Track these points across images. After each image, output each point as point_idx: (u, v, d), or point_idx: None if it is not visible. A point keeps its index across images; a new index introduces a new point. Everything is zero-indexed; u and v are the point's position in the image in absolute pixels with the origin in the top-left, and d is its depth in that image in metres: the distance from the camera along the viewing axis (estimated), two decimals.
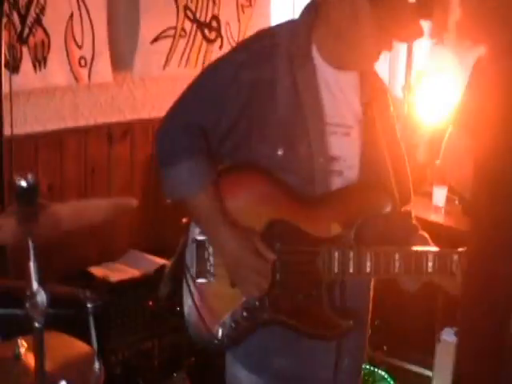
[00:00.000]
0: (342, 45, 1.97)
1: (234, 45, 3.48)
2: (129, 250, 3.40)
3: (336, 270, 1.96)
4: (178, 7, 3.16)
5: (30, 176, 1.80)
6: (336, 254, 1.96)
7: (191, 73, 3.15)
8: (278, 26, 2.10)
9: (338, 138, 2.02)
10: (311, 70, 1.98)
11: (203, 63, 3.34)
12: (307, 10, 2.03)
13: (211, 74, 2.05)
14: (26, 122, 2.99)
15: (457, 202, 3.68)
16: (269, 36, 2.02)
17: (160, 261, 3.29)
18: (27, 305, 1.87)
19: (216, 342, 2.04)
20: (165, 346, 3.18)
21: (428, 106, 3.62)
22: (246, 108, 1.96)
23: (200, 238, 2.04)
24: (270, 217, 2.00)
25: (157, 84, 3.30)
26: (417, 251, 2.00)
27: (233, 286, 2.00)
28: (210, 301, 2.07)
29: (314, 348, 2.06)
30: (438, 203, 3.52)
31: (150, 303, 3.06)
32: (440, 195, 3.50)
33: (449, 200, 3.51)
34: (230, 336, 2.02)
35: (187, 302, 2.08)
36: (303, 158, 1.97)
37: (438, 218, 3.37)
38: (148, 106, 3.32)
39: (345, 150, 2.02)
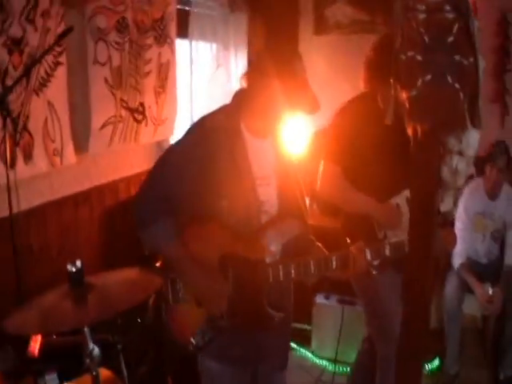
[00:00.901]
0: (262, 120, 2.53)
1: (155, 122, 4.31)
2: None
3: (271, 280, 2.54)
4: (115, 99, 3.85)
5: (78, 262, 2.18)
6: (270, 270, 2.54)
7: (127, 147, 4.10)
8: (215, 112, 2.62)
9: (263, 187, 2.58)
10: (242, 142, 2.53)
11: (134, 138, 4.11)
12: (235, 96, 2.60)
13: (171, 153, 2.58)
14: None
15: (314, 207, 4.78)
16: (211, 119, 2.56)
17: None
18: (87, 360, 2.23)
19: (192, 348, 2.59)
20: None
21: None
22: (198, 177, 2.47)
23: (172, 275, 2.58)
24: (221, 252, 2.52)
25: (103, 158, 4.00)
26: (324, 256, 2.64)
27: (199, 307, 2.56)
28: (183, 319, 2.62)
29: (257, 337, 2.65)
30: None
31: None
32: None
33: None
34: (201, 342, 2.57)
35: (168, 323, 2.65)
36: (242, 205, 2.52)
37: None
38: (99, 176, 4.00)
39: (268, 195, 2.60)
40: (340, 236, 3.48)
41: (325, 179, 3.50)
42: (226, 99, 4.82)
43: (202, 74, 4.96)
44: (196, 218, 2.55)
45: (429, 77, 1.92)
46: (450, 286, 4.64)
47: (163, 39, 4.33)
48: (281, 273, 2.55)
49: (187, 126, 4.74)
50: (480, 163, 4.60)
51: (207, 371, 2.72)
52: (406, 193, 3.57)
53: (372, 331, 3.80)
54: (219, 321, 2.56)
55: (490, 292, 4.41)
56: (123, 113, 4.00)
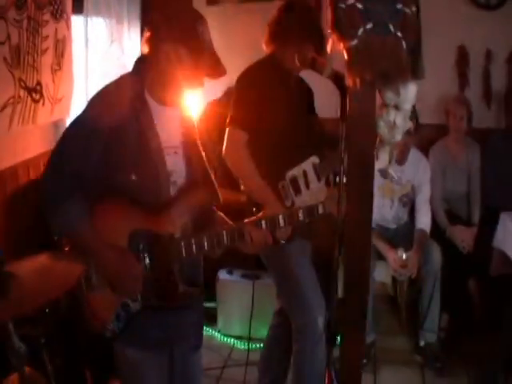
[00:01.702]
0: (168, 87, 2.51)
1: (52, 101, 4.15)
2: None
3: (184, 254, 2.53)
4: (14, 79, 3.68)
5: None
6: (182, 243, 2.52)
7: (25, 128, 3.98)
8: (117, 81, 2.58)
9: (171, 156, 2.57)
10: (147, 110, 2.50)
11: (32, 119, 3.95)
12: (137, 63, 2.58)
13: (74, 130, 2.50)
14: None
15: None
16: (113, 90, 2.53)
17: None
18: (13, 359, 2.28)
19: (108, 334, 2.54)
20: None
21: None
22: (105, 150, 2.42)
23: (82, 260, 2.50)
24: (129, 231, 2.48)
25: (2, 142, 3.80)
26: (238, 226, 2.64)
27: (114, 291, 2.50)
28: (98, 306, 2.52)
29: (173, 316, 2.62)
30: None
31: None
32: None
33: None
34: (117, 327, 2.53)
35: (83, 311, 2.54)
36: (151, 177, 2.49)
37: None
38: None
39: (176, 165, 2.59)
40: (245, 207, 3.55)
41: (229, 145, 3.53)
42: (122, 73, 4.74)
43: (96, 51, 4.81)
44: (104, 196, 2.50)
45: (370, 25, 1.92)
46: None
47: (60, 15, 4.16)
48: (194, 246, 2.54)
49: (82, 104, 4.70)
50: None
51: (124, 359, 2.66)
52: (313, 159, 3.67)
53: (285, 302, 3.83)
54: (134, 304, 2.53)
55: (404, 257, 4.56)
56: (21, 93, 3.82)
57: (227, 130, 3.50)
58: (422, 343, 4.77)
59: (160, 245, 2.51)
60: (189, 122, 2.74)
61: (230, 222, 2.74)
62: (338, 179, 3.63)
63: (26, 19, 3.79)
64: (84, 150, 2.42)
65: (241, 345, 4.88)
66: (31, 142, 4.26)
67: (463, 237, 4.93)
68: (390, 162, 2.30)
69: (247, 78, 3.54)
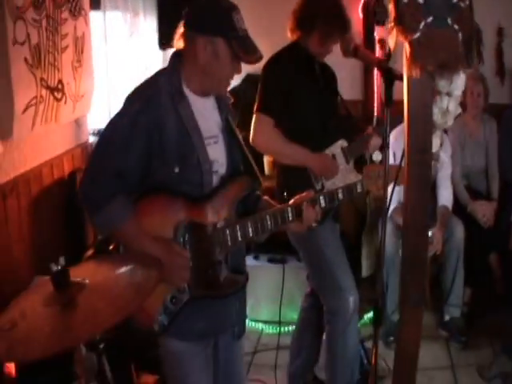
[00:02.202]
0: (206, 78, 2.53)
1: (73, 99, 4.22)
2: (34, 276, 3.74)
3: (230, 243, 2.55)
4: (36, 79, 3.73)
5: (61, 259, 2.03)
6: (227, 231, 2.54)
7: (48, 128, 4.02)
8: (154, 76, 2.59)
9: (212, 146, 2.58)
10: (186, 102, 2.51)
11: (55, 118, 4.00)
12: (173, 58, 2.59)
13: (114, 127, 2.49)
14: None
15: None
16: (152, 85, 2.53)
17: None
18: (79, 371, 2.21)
19: (157, 328, 2.52)
20: None
21: None
22: (147, 144, 2.43)
23: None
24: (174, 222, 2.49)
25: (25, 143, 3.88)
26: (279, 209, 2.68)
27: (161, 282, 2.35)
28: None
29: (219, 306, 2.64)
30: None
31: None
32: None
33: None
34: (166, 320, 2.52)
35: None
36: (194, 168, 2.50)
37: None
38: (23, 162, 3.88)
39: (217, 154, 2.60)
40: (273, 192, 3.59)
41: (257, 130, 3.57)
42: (141, 68, 4.77)
43: (116, 45, 4.88)
44: (147, 190, 2.52)
45: (430, 19, 2.04)
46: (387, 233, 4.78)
47: (78, 12, 4.22)
48: (238, 233, 2.57)
49: (104, 100, 4.73)
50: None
51: (171, 352, 2.68)
52: (341, 143, 3.74)
53: (316, 284, 3.89)
54: (182, 295, 2.54)
55: (430, 233, 4.60)
56: (43, 92, 3.88)
57: (254, 115, 3.55)
58: (446, 318, 4.83)
59: (205, 235, 2.53)
60: (226, 110, 2.74)
61: (277, 205, 2.77)
62: (372, 158, 3.76)
63: (44, 18, 3.85)
64: (125, 147, 2.44)
65: (269, 329, 4.94)
66: (54, 141, 4.31)
67: (484, 212, 4.97)
68: (441, 145, 2.37)
69: (274, 65, 3.59)
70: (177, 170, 2.48)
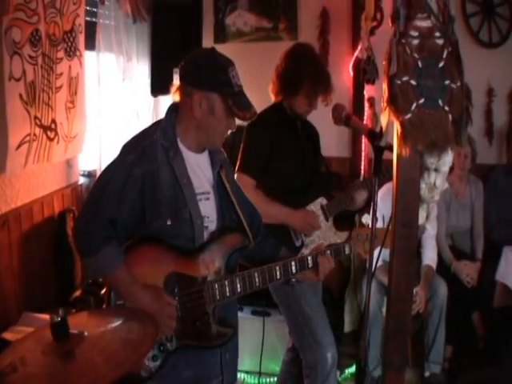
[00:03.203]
0: (201, 132, 2.57)
1: (65, 139, 4.25)
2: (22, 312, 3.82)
3: (218, 297, 2.58)
4: (30, 117, 3.77)
5: (60, 310, 2.00)
6: (216, 286, 2.58)
7: (40, 166, 4.05)
8: (150, 127, 2.65)
9: (203, 202, 2.62)
10: (181, 158, 2.56)
11: (47, 157, 4.03)
12: (170, 111, 2.63)
13: (109, 177, 2.51)
14: None
15: None
16: (147, 137, 2.56)
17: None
18: None
19: (144, 374, 2.53)
20: None
21: None
22: (140, 195, 2.48)
23: (119, 302, 2.55)
24: (165, 273, 2.52)
25: (18, 180, 3.92)
26: (268, 266, 2.69)
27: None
28: None
29: (206, 356, 2.66)
30: None
31: None
32: None
33: None
34: (153, 367, 2.53)
35: None
36: (186, 222, 2.54)
37: None
38: (15, 199, 3.91)
39: (208, 210, 2.63)
40: None
41: None
42: (133, 112, 4.81)
43: (109, 88, 4.94)
44: (139, 240, 2.55)
45: (422, 100, 2.12)
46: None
47: (73, 52, 4.28)
48: (227, 289, 2.60)
49: (95, 142, 4.76)
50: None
51: None
52: (321, 200, 3.82)
53: (296, 340, 3.93)
54: (169, 344, 2.57)
55: (414, 292, 4.63)
56: (37, 131, 3.93)
57: (236, 174, 3.57)
58: (427, 374, 4.86)
59: (194, 287, 2.56)
60: (222, 165, 2.77)
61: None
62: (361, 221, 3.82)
63: (40, 56, 3.90)
64: (119, 196, 2.47)
65: (251, 380, 4.93)
66: (45, 180, 4.35)
67: (468, 271, 5.01)
68: (427, 218, 2.46)
69: (256, 124, 3.59)
70: (169, 222, 2.52)
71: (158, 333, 2.20)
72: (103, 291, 2.64)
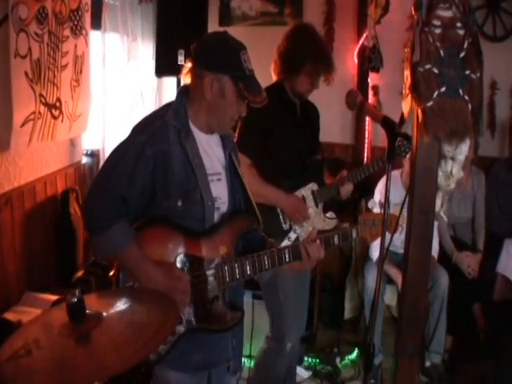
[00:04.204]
0: (211, 115, 2.58)
1: (70, 118, 4.26)
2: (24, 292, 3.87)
3: (227, 280, 2.60)
4: (35, 95, 3.77)
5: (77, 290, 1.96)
6: (226, 268, 2.59)
7: (44, 144, 4.05)
8: (162, 108, 2.63)
9: (215, 183, 2.62)
10: (192, 138, 2.56)
11: (51, 136, 4.04)
12: (181, 93, 2.63)
13: (121, 155, 2.49)
14: None
15: None
16: (158, 118, 2.55)
17: (52, 297, 3.70)
18: None
19: (153, 357, 2.52)
20: None
21: None
22: (152, 175, 2.47)
23: (128, 284, 2.54)
24: (176, 254, 2.53)
25: (21, 158, 3.93)
26: (277, 249, 2.71)
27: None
28: None
29: (217, 339, 2.67)
30: None
31: None
32: None
33: None
34: (163, 350, 2.52)
35: None
36: (197, 203, 2.54)
37: None
38: (18, 177, 3.92)
39: (220, 192, 2.64)
40: None
41: None
42: (137, 93, 4.79)
43: (114, 68, 4.93)
44: (151, 220, 2.54)
45: (443, 89, 2.16)
46: (371, 278, 4.82)
47: (79, 30, 4.29)
48: (237, 271, 2.61)
49: (99, 122, 4.75)
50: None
51: (166, 382, 2.66)
52: (312, 185, 3.85)
53: (268, 314, 3.99)
54: (179, 326, 2.55)
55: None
56: (42, 109, 3.93)
57: None
58: (427, 364, 4.88)
59: (204, 269, 2.57)
60: (231, 149, 2.78)
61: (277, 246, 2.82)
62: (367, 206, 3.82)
63: (46, 34, 3.90)
64: (130, 175, 2.46)
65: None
66: (48, 158, 4.36)
67: (469, 263, 5.03)
68: (442, 205, 2.47)
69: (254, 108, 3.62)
70: (180, 203, 2.52)
71: (178, 311, 2.21)
72: (111, 273, 2.60)
